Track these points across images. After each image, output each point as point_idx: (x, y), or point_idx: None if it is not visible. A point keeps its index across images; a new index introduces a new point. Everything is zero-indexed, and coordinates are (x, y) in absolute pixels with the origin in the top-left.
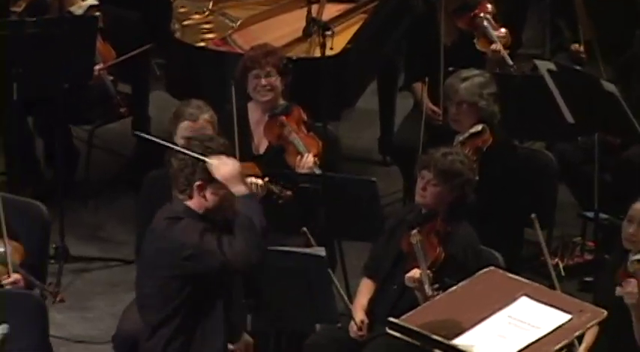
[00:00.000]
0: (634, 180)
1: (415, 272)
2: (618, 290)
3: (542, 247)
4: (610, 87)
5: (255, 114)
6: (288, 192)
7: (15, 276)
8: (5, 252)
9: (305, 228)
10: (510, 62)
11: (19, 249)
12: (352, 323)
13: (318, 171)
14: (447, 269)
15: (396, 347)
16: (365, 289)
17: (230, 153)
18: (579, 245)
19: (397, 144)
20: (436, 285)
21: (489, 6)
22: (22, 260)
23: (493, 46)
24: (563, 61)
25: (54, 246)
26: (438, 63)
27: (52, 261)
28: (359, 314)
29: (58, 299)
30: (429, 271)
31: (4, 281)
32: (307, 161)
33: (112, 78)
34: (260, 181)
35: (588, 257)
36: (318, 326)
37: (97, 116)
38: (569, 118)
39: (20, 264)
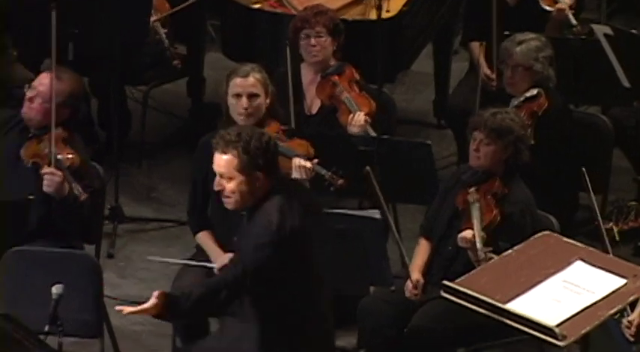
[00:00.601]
0: None
1: (468, 233)
2: None
3: (595, 211)
4: None
5: (307, 75)
6: (340, 180)
7: (52, 170)
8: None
9: (368, 168)
10: (574, 22)
11: (75, 158)
12: (408, 282)
13: (370, 130)
14: (503, 231)
15: (450, 310)
16: (421, 249)
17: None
18: (634, 209)
19: (452, 107)
20: (489, 248)
21: None
22: (72, 165)
23: (559, 5)
24: (619, 25)
25: (109, 206)
26: (498, 24)
27: (107, 222)
28: (415, 274)
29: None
30: (483, 233)
31: (42, 171)
32: (358, 119)
33: (166, 31)
34: (308, 164)
35: None
36: (372, 288)
37: (152, 76)
38: (625, 82)
39: (68, 166)
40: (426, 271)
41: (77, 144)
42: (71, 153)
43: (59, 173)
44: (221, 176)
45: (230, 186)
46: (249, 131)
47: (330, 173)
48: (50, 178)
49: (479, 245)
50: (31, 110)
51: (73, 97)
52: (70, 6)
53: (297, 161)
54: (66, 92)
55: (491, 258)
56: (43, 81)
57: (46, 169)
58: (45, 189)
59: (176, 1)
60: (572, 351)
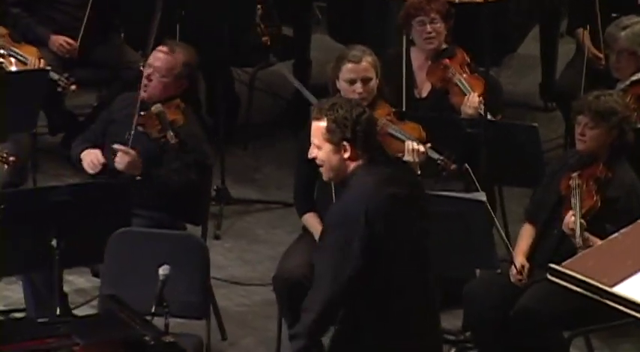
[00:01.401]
0: None
1: (570, 220)
2: None
3: None
4: None
5: (418, 59)
6: (453, 165)
7: (127, 148)
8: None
9: (467, 165)
10: None
11: (179, 118)
12: (512, 267)
13: (485, 113)
14: (608, 215)
15: (557, 292)
16: (526, 234)
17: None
18: None
19: (559, 89)
20: (587, 236)
21: None
22: (175, 122)
23: None
24: None
25: (215, 188)
26: (602, 8)
27: (214, 203)
28: (519, 259)
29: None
30: (582, 220)
31: (115, 146)
32: (473, 100)
33: (260, 8)
34: (422, 148)
35: None
36: (477, 271)
37: (258, 59)
38: None
39: (171, 121)
40: (531, 256)
41: (190, 115)
42: (178, 115)
43: (132, 152)
44: (313, 144)
45: (320, 154)
46: (343, 102)
47: (442, 157)
48: (121, 156)
49: (578, 232)
50: (150, 87)
51: (189, 67)
52: None
53: (410, 144)
54: (180, 63)
55: (589, 246)
56: (158, 56)
57: (119, 147)
58: (116, 165)
59: None
60: None
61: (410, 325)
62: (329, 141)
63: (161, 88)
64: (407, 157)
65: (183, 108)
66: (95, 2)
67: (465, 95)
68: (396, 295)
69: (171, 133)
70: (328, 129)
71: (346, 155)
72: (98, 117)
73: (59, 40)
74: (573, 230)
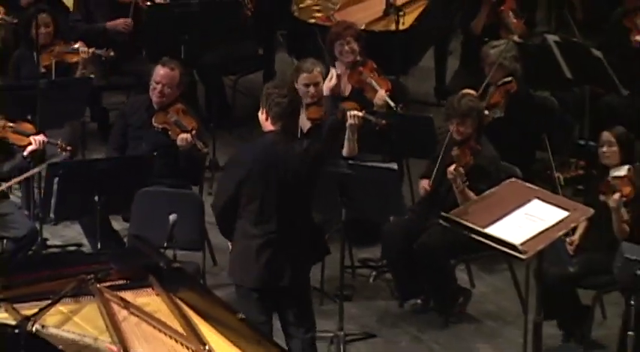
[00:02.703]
0: (609, 118)
1: (451, 168)
2: (601, 197)
3: (550, 163)
4: (597, 53)
5: (340, 68)
6: (383, 121)
7: (186, 135)
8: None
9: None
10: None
11: (195, 124)
12: (422, 183)
13: (390, 102)
14: (479, 177)
15: (446, 232)
16: (422, 183)
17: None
18: (574, 163)
19: (448, 91)
20: (466, 182)
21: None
22: (194, 129)
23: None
24: (565, 36)
25: (208, 160)
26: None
27: (207, 171)
28: (424, 184)
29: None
30: (462, 169)
31: (180, 136)
32: (380, 94)
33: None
34: (360, 113)
35: (580, 171)
36: (391, 217)
37: (241, 68)
38: (568, 74)
39: (191, 129)
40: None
41: (191, 112)
42: (192, 121)
43: (188, 136)
44: None
45: None
46: (281, 90)
47: (375, 117)
48: (183, 138)
49: (458, 178)
50: (161, 96)
51: (183, 76)
52: (182, 21)
53: (353, 112)
54: (178, 76)
55: (467, 196)
56: (164, 72)
57: (182, 135)
58: (179, 145)
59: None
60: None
61: (270, 242)
62: (261, 103)
63: (168, 96)
64: (350, 121)
65: (184, 109)
66: (133, 33)
67: (376, 91)
68: (259, 218)
69: (201, 144)
70: (262, 97)
71: (263, 117)
72: (115, 124)
73: (118, 22)
74: (453, 174)
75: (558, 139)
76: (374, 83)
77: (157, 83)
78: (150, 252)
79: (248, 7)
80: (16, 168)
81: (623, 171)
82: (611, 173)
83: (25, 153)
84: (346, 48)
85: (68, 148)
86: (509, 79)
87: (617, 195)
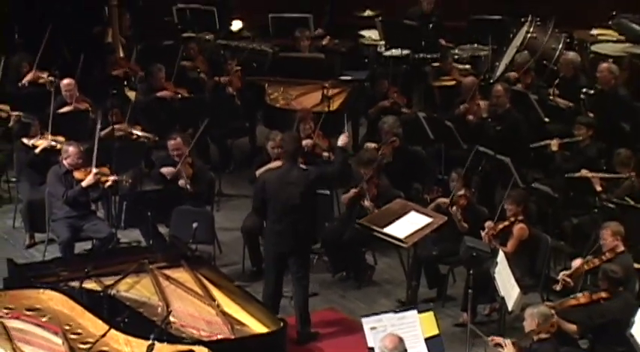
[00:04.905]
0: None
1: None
2: (452, 211)
3: (421, 190)
4: (449, 123)
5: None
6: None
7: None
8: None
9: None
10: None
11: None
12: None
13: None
14: (383, 197)
15: (361, 231)
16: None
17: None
18: (435, 189)
19: (359, 146)
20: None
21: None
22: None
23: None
24: (429, 112)
25: (216, 190)
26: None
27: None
28: (349, 195)
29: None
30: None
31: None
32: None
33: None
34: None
35: (440, 195)
36: (327, 224)
37: (235, 134)
38: (431, 136)
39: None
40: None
41: (198, 162)
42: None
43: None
44: None
45: None
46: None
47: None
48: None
49: (367, 201)
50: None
51: (185, 142)
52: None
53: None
54: (182, 143)
55: (376, 207)
56: (176, 144)
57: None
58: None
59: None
60: (410, 250)
61: (279, 234)
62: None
63: (182, 155)
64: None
65: (191, 162)
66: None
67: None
68: (272, 220)
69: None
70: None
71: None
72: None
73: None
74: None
75: (426, 176)
76: (321, 143)
77: (174, 151)
78: (181, 245)
79: (234, 95)
80: (102, 195)
81: (461, 191)
82: (454, 193)
83: (105, 186)
84: (307, 126)
85: (130, 181)
86: (395, 138)
87: (454, 208)
